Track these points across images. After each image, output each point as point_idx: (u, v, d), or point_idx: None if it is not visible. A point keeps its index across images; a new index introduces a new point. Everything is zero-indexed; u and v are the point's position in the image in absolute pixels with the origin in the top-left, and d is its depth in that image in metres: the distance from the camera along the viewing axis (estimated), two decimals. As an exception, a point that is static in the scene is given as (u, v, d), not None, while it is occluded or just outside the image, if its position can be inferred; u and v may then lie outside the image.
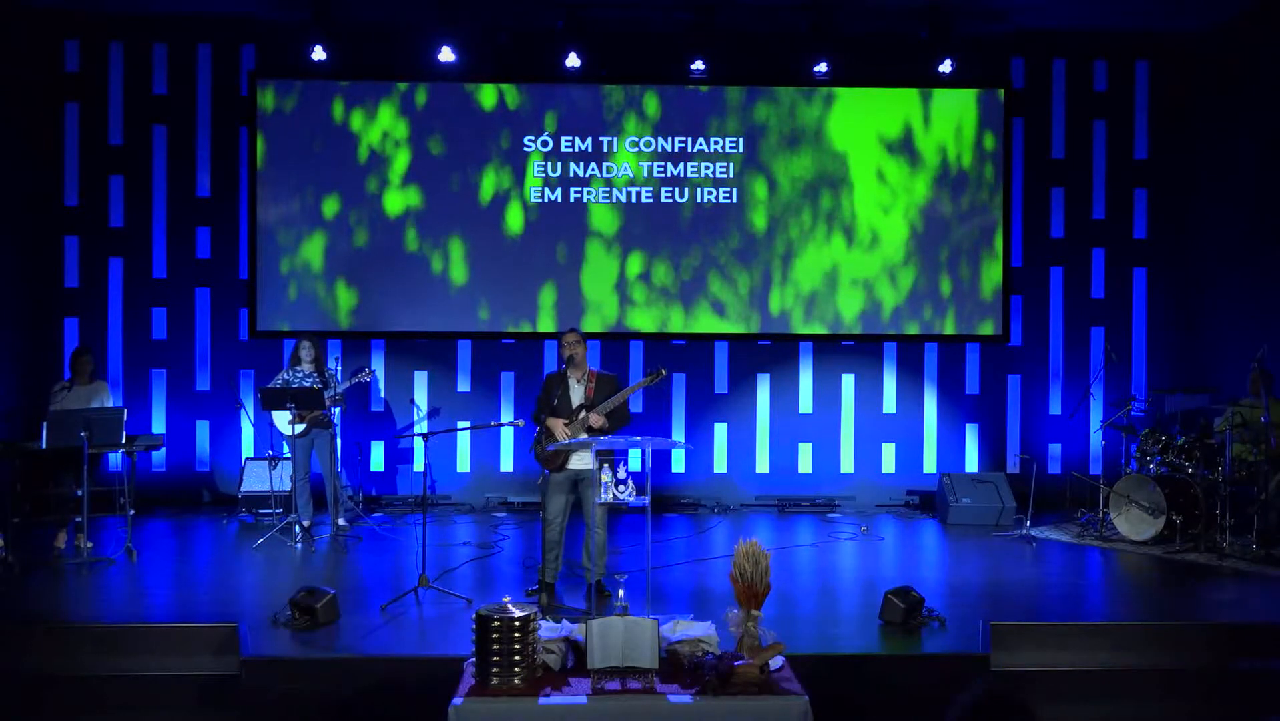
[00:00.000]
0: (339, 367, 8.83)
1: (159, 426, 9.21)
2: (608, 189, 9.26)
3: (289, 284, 9.17)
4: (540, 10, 8.31)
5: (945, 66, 8.85)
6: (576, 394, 6.23)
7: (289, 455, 8.13)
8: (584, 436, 6.05)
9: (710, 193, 9.28)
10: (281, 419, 7.89)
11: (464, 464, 9.42)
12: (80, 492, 6.96)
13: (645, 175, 9.26)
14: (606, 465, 5.55)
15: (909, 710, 4.90)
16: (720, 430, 9.52)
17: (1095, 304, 9.60)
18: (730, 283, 9.31)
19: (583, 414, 6.15)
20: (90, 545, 7.06)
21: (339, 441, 8.35)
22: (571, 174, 9.25)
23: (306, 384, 7.84)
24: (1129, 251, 9.59)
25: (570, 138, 9.23)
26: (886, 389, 9.54)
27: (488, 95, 9.23)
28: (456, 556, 7.33)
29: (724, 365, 9.51)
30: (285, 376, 8.00)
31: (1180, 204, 9.53)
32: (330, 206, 9.18)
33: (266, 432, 8.69)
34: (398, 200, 9.21)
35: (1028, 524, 8.10)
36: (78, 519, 7.06)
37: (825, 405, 9.53)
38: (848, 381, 9.55)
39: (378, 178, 9.20)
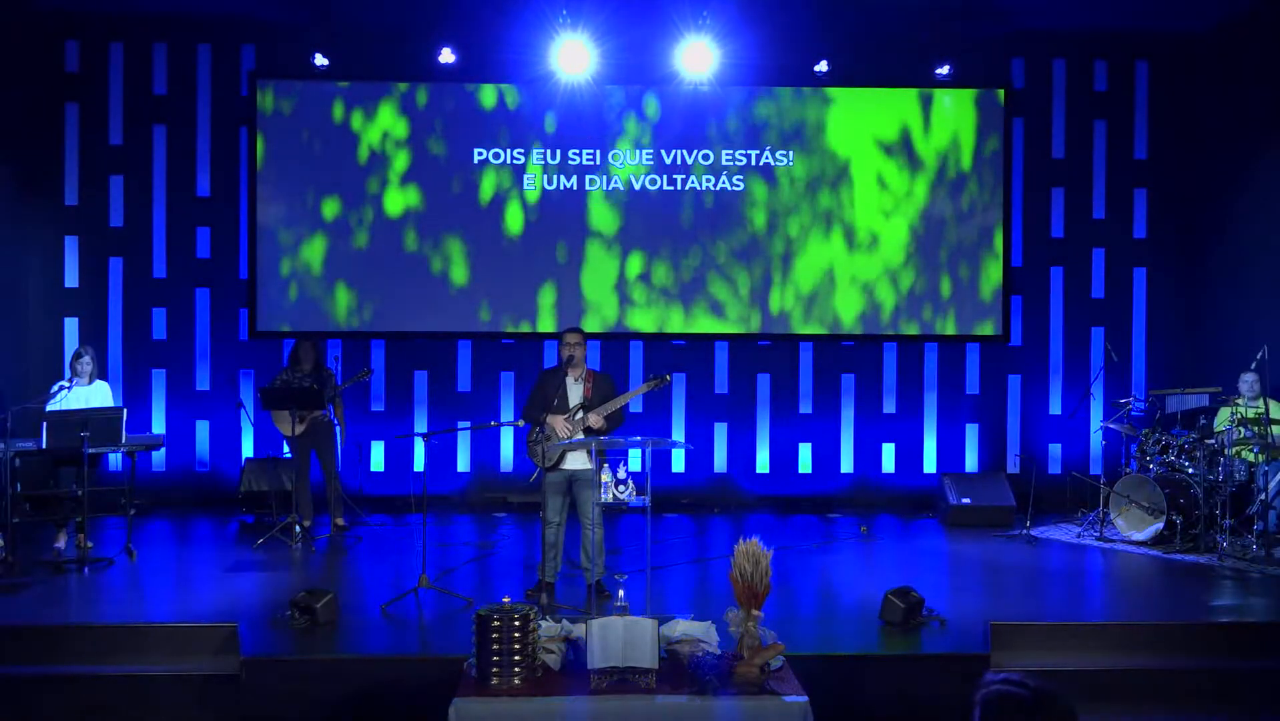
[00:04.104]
0: (338, 368, 8.83)
1: (159, 426, 9.21)
2: (608, 189, 9.26)
3: (289, 284, 9.17)
4: (541, 8, 8.30)
5: (945, 67, 8.87)
6: (574, 393, 6.23)
7: (289, 455, 8.12)
8: (581, 436, 6.06)
9: (710, 193, 9.28)
10: (281, 419, 7.88)
11: (464, 464, 9.42)
12: (80, 492, 6.96)
13: (645, 175, 9.26)
14: (605, 465, 5.56)
15: (909, 710, 4.90)
16: (720, 430, 9.52)
17: (1095, 304, 9.60)
18: (730, 283, 9.31)
19: (580, 414, 6.16)
20: (90, 545, 7.06)
21: (339, 442, 8.34)
22: (571, 174, 9.25)
23: (306, 384, 7.84)
24: (1129, 251, 9.59)
25: (570, 138, 9.22)
26: (886, 389, 9.54)
27: (488, 95, 9.23)
28: (456, 556, 7.33)
29: (724, 365, 9.51)
30: (284, 377, 8.00)
31: (1180, 204, 9.53)
32: (330, 206, 9.18)
33: (272, 431, 8.69)
34: (398, 200, 9.21)
35: (1028, 524, 8.10)
36: (78, 519, 7.06)
37: (825, 405, 9.53)
38: (848, 381, 9.55)
39: (378, 178, 9.20)
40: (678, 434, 9.44)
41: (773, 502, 9.38)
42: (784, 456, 9.51)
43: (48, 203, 9.13)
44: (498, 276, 9.24)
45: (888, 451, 9.57)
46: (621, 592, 4.62)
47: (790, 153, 9.32)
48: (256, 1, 8.81)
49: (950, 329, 9.38)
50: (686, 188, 9.28)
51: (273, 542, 7.54)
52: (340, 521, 8.10)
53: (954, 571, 7.17)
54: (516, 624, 4.14)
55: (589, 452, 6.02)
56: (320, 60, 8.74)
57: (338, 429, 8.23)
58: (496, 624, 4.12)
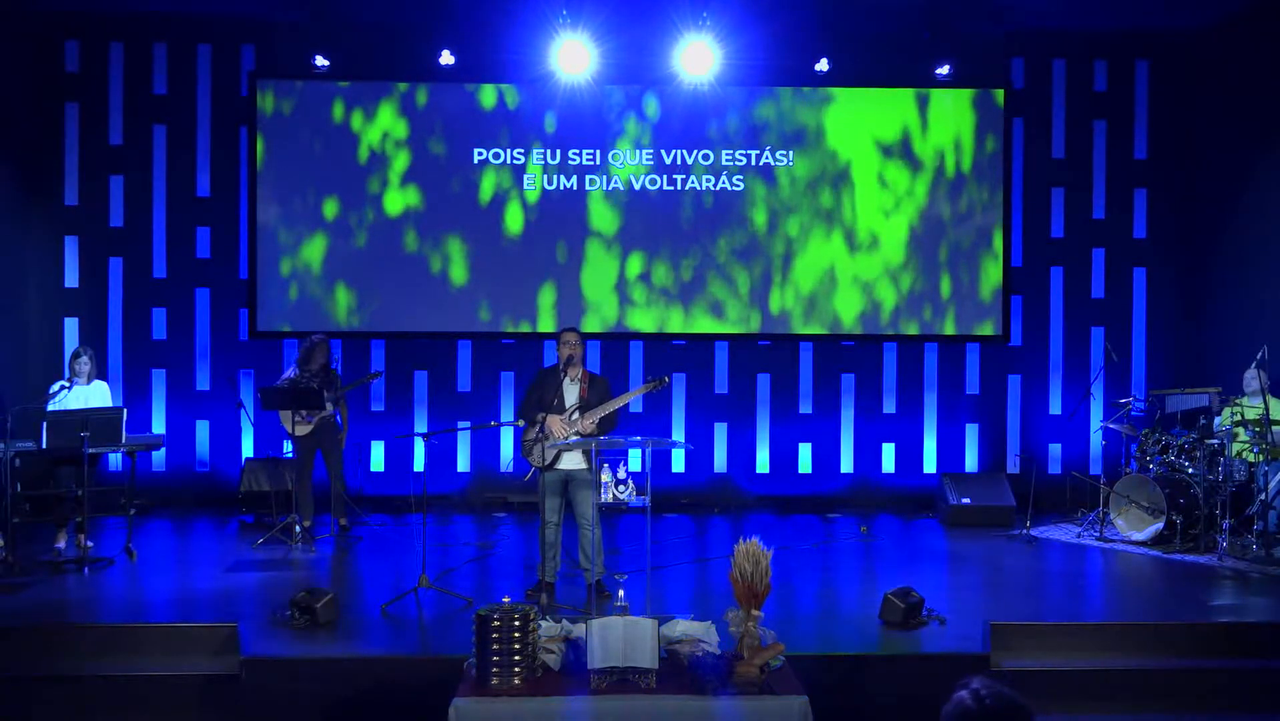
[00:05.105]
0: (338, 368, 8.81)
1: (159, 426, 9.21)
2: (608, 189, 9.26)
3: (289, 284, 9.17)
4: (541, 8, 8.31)
5: (944, 67, 8.87)
6: (571, 394, 6.23)
7: (289, 454, 8.11)
8: (574, 437, 6.06)
9: (710, 193, 9.28)
10: (288, 418, 7.85)
11: (464, 464, 9.42)
12: (80, 492, 6.96)
13: (645, 175, 9.26)
14: (605, 465, 5.56)
15: (909, 710, 4.90)
16: (720, 430, 9.52)
17: (1095, 304, 9.60)
18: (730, 283, 9.31)
19: (575, 415, 6.16)
20: (90, 545, 7.06)
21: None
22: (571, 174, 9.25)
23: (313, 385, 7.80)
24: (1129, 251, 9.59)
25: (570, 138, 9.22)
26: (886, 389, 9.54)
27: (488, 95, 9.23)
28: (456, 556, 7.33)
29: (724, 365, 9.51)
30: (291, 376, 7.96)
31: (1180, 204, 9.54)
32: (330, 207, 9.18)
33: (273, 431, 8.70)
34: (398, 200, 9.21)
35: (1028, 524, 8.10)
36: (78, 519, 7.06)
37: (825, 405, 9.53)
38: (848, 381, 9.55)
39: (378, 178, 9.20)
40: (678, 434, 9.44)
41: (773, 502, 9.38)
42: (784, 456, 9.51)
43: (48, 202, 9.14)
44: (498, 276, 9.24)
45: (888, 451, 9.57)
46: (621, 592, 4.63)
47: (790, 152, 9.32)
48: (256, 1, 8.81)
49: (950, 329, 9.38)
50: (686, 188, 9.28)
51: (273, 542, 7.54)
52: (344, 521, 8.10)
53: (954, 571, 7.17)
54: (516, 624, 4.13)
55: (584, 453, 6.02)
56: (320, 60, 8.76)
57: (341, 430, 8.21)
58: (496, 624, 4.12)
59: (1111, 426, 8.32)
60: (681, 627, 4.46)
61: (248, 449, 9.21)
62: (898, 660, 5.13)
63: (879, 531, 8.37)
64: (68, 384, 7.29)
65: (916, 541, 8.09)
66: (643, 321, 9.30)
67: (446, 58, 8.61)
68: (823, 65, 8.90)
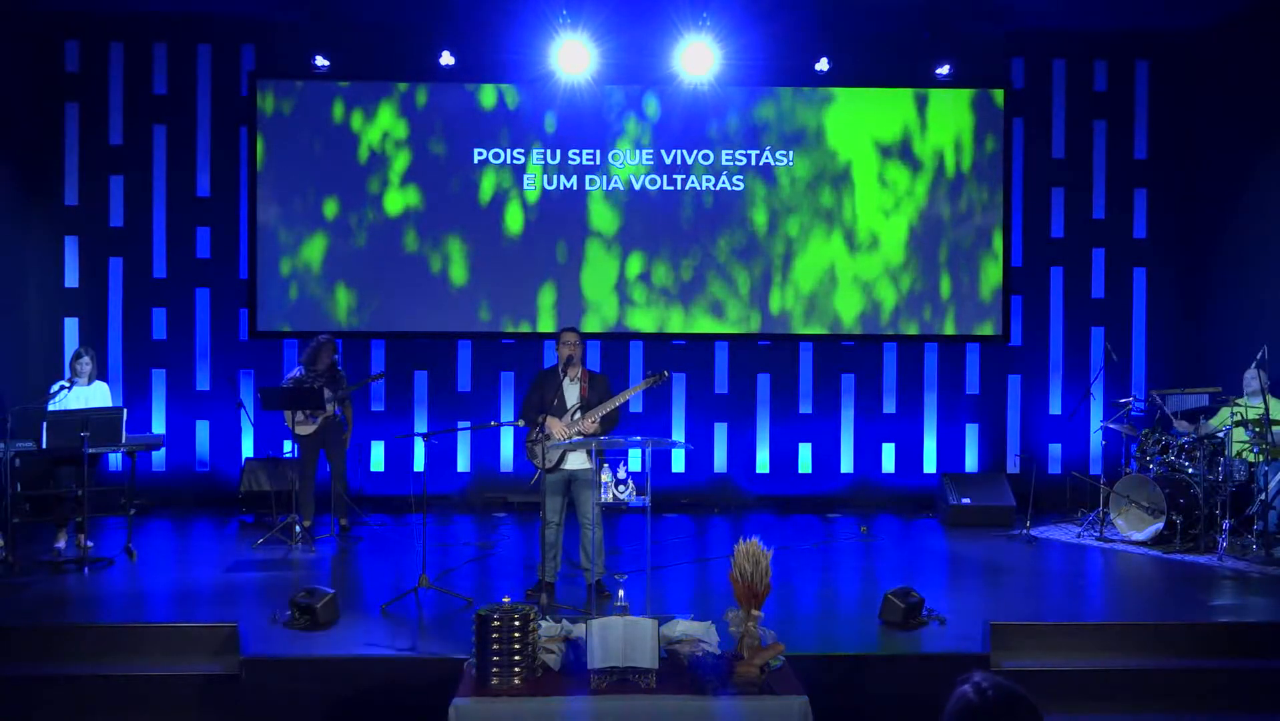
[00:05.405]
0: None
1: (159, 426, 9.21)
2: (608, 189, 9.26)
3: (289, 284, 9.17)
4: (541, 8, 8.31)
5: (944, 67, 8.88)
6: (571, 393, 6.24)
7: (289, 454, 8.11)
8: (576, 437, 6.06)
9: (710, 193, 9.28)
10: (291, 417, 7.83)
11: (464, 464, 9.42)
12: (80, 492, 6.96)
13: (645, 175, 9.26)
14: (605, 465, 5.56)
15: (909, 710, 4.90)
16: (720, 430, 9.52)
17: (1095, 304, 9.60)
18: (730, 283, 9.31)
19: (577, 415, 6.16)
20: (90, 545, 7.06)
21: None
22: (571, 174, 9.25)
23: (318, 385, 7.79)
24: (1129, 251, 9.59)
25: (570, 138, 9.22)
26: (886, 389, 9.54)
27: (488, 95, 9.23)
28: (456, 556, 7.33)
29: (724, 365, 9.51)
30: (296, 375, 7.95)
31: (1180, 204, 9.54)
32: (330, 207, 9.18)
33: (273, 431, 8.69)
34: (398, 200, 9.21)
35: (1028, 524, 8.10)
36: (78, 519, 7.06)
37: (825, 405, 9.53)
38: (848, 381, 9.55)
39: (378, 178, 9.20)
40: (678, 434, 9.44)
41: (773, 502, 9.38)
42: (784, 456, 9.51)
43: (48, 202, 9.14)
44: (498, 276, 9.24)
45: (888, 451, 9.57)
46: (621, 592, 4.63)
47: (790, 152, 9.31)
48: (256, 1, 8.81)
49: (950, 329, 9.38)
50: (686, 188, 9.27)
51: (273, 542, 7.54)
52: (345, 521, 8.10)
53: (954, 571, 7.17)
54: (516, 624, 4.14)
55: (588, 452, 6.03)
56: (320, 61, 8.77)
57: (346, 429, 8.20)
58: (496, 624, 4.12)
59: (1111, 426, 8.32)
60: (681, 627, 4.46)
61: (248, 449, 9.21)
62: (898, 660, 5.13)
63: (879, 531, 8.37)
64: (68, 384, 7.28)
65: (916, 541, 8.09)
66: (643, 321, 9.30)
67: (446, 58, 8.62)
68: (823, 65, 8.91)
